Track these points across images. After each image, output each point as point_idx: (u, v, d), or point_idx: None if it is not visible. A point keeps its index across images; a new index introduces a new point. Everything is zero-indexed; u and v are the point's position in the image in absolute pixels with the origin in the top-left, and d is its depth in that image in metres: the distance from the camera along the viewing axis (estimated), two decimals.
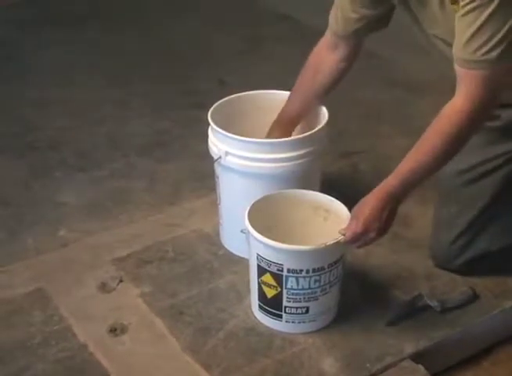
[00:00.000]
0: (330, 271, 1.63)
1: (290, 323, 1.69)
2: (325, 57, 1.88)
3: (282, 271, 1.61)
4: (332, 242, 1.58)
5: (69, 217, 2.14)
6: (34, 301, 1.81)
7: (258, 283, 1.68)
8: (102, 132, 2.61)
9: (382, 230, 1.60)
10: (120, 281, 1.87)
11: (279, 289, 1.64)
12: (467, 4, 1.48)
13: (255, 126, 1.92)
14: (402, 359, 1.64)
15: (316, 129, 1.84)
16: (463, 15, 1.50)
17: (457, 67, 1.55)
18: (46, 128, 2.64)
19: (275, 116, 1.94)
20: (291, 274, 1.61)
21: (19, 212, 2.18)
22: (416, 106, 2.69)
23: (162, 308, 1.79)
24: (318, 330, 1.71)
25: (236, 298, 1.81)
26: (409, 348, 1.66)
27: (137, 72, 3.06)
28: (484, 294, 1.81)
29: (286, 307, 1.67)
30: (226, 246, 1.99)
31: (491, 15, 1.46)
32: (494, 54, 1.49)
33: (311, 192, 1.79)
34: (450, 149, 1.58)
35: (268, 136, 1.92)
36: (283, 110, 1.93)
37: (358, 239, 1.59)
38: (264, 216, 1.68)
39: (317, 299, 1.65)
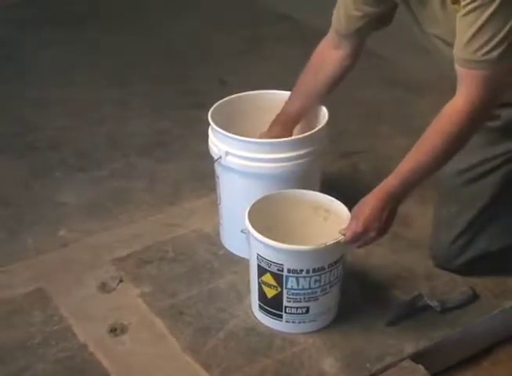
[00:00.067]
0: (330, 271, 1.63)
1: (291, 323, 1.69)
2: (327, 55, 1.88)
3: (282, 271, 1.61)
4: (332, 242, 1.58)
5: (69, 217, 2.14)
6: (34, 301, 1.81)
7: (258, 283, 1.68)
8: (102, 132, 2.61)
9: (382, 230, 1.60)
10: (120, 281, 1.88)
11: (280, 289, 1.64)
12: (468, 4, 1.48)
13: (255, 126, 1.92)
14: (402, 359, 1.64)
15: (316, 129, 1.84)
16: (464, 15, 1.50)
17: (458, 67, 1.55)
18: (46, 128, 2.64)
19: (275, 116, 1.94)
20: (291, 274, 1.61)
21: (19, 212, 2.18)
22: (416, 106, 2.69)
23: (162, 308, 1.79)
24: (318, 330, 1.71)
25: (236, 298, 1.81)
26: (409, 348, 1.66)
27: (137, 72, 3.06)
28: (484, 294, 1.81)
29: (286, 307, 1.67)
30: (226, 246, 1.99)
31: (492, 15, 1.46)
32: (495, 54, 1.49)
33: (311, 192, 1.79)
34: (450, 148, 1.58)
35: (268, 132, 1.91)
36: (284, 108, 1.93)
37: (359, 239, 1.59)
38: (264, 216, 1.68)
39: (317, 299, 1.66)
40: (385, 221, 1.59)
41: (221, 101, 1.95)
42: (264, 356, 1.64)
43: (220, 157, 1.83)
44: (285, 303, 1.66)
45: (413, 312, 1.75)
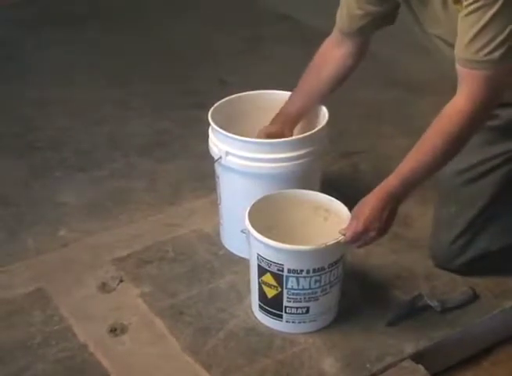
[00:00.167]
0: (331, 271, 1.63)
1: (291, 323, 1.69)
2: (331, 54, 1.88)
3: (282, 271, 1.61)
4: (332, 242, 1.58)
5: (69, 217, 2.14)
6: (34, 301, 1.81)
7: (259, 283, 1.68)
8: (102, 132, 2.61)
9: (382, 230, 1.60)
10: (121, 281, 1.87)
11: (280, 289, 1.64)
12: (471, 4, 1.48)
13: (255, 126, 1.92)
14: (402, 359, 1.64)
15: (316, 129, 1.84)
16: (466, 15, 1.50)
17: (459, 67, 1.55)
18: (46, 128, 2.64)
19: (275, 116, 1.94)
20: (292, 274, 1.61)
21: (19, 212, 2.18)
22: (417, 106, 2.69)
23: (162, 308, 1.79)
24: (318, 331, 1.71)
25: (237, 298, 1.81)
26: (409, 348, 1.66)
27: (137, 72, 3.06)
28: (484, 294, 1.81)
29: (286, 307, 1.67)
30: (226, 246, 1.98)
31: (494, 15, 1.46)
32: (496, 54, 1.49)
33: (311, 192, 1.79)
34: (451, 149, 1.58)
35: (267, 127, 1.90)
36: (284, 107, 1.92)
37: (359, 239, 1.60)
38: (264, 216, 1.68)
39: (317, 299, 1.65)
40: (385, 221, 1.59)
41: (221, 101, 1.95)
42: (264, 356, 1.64)
43: (220, 157, 1.82)
44: (285, 303, 1.66)
45: (413, 312, 1.75)
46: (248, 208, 1.67)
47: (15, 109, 2.76)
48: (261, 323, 1.73)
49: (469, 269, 1.85)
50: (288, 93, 1.95)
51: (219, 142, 1.83)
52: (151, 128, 2.64)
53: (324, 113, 1.90)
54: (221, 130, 1.81)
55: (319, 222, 1.76)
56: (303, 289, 1.63)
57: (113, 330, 1.72)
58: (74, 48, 3.26)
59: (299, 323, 1.69)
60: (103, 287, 1.86)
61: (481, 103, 1.54)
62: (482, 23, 1.47)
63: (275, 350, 1.66)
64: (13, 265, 1.94)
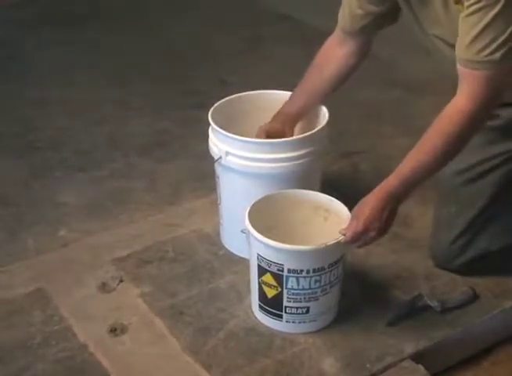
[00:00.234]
0: (331, 271, 1.63)
1: (291, 323, 1.69)
2: (333, 53, 1.88)
3: (282, 271, 1.61)
4: (332, 242, 1.58)
5: (69, 217, 2.14)
6: (34, 301, 1.81)
7: (259, 283, 1.68)
8: (102, 132, 2.61)
9: (382, 230, 1.60)
10: (121, 281, 1.87)
11: (280, 289, 1.64)
12: (472, 4, 1.48)
13: (255, 126, 1.92)
14: (402, 359, 1.64)
15: (317, 129, 1.84)
16: (468, 15, 1.50)
17: (460, 67, 1.55)
18: (46, 128, 2.64)
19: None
20: (292, 274, 1.61)
21: (19, 212, 2.18)
22: (417, 106, 2.69)
23: (162, 308, 1.79)
24: (318, 331, 1.71)
25: (237, 298, 1.81)
26: (409, 348, 1.66)
27: (137, 72, 3.06)
28: (484, 294, 1.81)
29: (286, 307, 1.67)
30: (226, 246, 1.98)
31: (496, 16, 1.46)
32: (498, 55, 1.49)
33: (311, 192, 1.79)
34: (451, 149, 1.58)
35: (268, 126, 1.89)
36: (286, 104, 1.92)
37: (359, 239, 1.59)
38: (264, 216, 1.68)
39: (317, 299, 1.65)
40: (385, 221, 1.59)
41: (221, 101, 1.95)
42: (264, 356, 1.64)
43: (220, 157, 1.82)
44: (285, 303, 1.66)
45: (413, 312, 1.75)
46: (248, 208, 1.67)
47: (15, 109, 2.76)
48: (261, 323, 1.73)
49: (469, 269, 1.85)
50: (288, 93, 1.95)
51: (219, 142, 1.83)
52: (151, 128, 2.64)
53: (324, 113, 1.90)
54: (221, 130, 1.81)
55: (319, 222, 1.76)
56: (303, 289, 1.63)
57: (113, 330, 1.72)
58: (74, 48, 3.26)
59: (299, 323, 1.69)
60: (103, 287, 1.86)
61: (482, 103, 1.54)
62: (484, 23, 1.47)
63: (275, 350, 1.66)
64: (13, 265, 1.94)
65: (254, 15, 3.65)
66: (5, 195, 2.26)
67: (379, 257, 1.92)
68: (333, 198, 1.74)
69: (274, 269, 1.61)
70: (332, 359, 1.64)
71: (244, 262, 1.81)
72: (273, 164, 1.79)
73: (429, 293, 1.79)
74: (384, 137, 2.52)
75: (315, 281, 1.62)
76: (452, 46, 1.60)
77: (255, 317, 1.75)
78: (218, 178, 1.91)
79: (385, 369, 1.62)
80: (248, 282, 1.75)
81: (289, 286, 1.63)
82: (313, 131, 1.83)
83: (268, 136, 1.86)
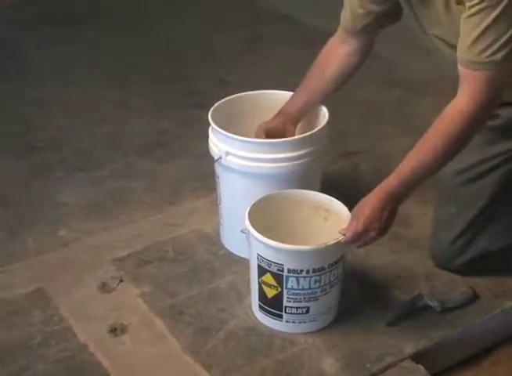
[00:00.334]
0: (331, 271, 1.63)
1: (291, 323, 1.69)
2: (335, 53, 1.88)
3: (282, 271, 1.61)
4: (332, 242, 1.58)
5: (69, 217, 2.14)
6: (34, 301, 1.81)
7: (259, 283, 1.68)
8: (102, 132, 2.61)
9: (382, 230, 1.60)
10: (121, 281, 1.87)
11: (280, 289, 1.64)
12: (474, 5, 1.48)
13: (255, 126, 1.92)
14: (402, 359, 1.64)
15: (317, 129, 1.84)
16: (469, 16, 1.50)
17: (461, 68, 1.55)
18: (46, 128, 2.64)
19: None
20: (292, 274, 1.61)
21: (19, 212, 2.18)
22: (417, 106, 2.69)
23: (162, 308, 1.79)
24: (318, 331, 1.71)
25: (237, 298, 1.81)
26: (409, 348, 1.66)
27: (137, 72, 3.06)
28: (484, 294, 1.81)
29: (286, 307, 1.67)
30: (226, 246, 1.98)
31: (497, 17, 1.46)
32: (499, 56, 1.49)
33: (311, 192, 1.79)
34: (452, 149, 1.58)
35: (268, 123, 1.90)
36: (288, 104, 1.91)
37: (359, 239, 1.59)
38: (264, 216, 1.68)
39: (317, 299, 1.65)
40: (385, 221, 1.59)
41: (221, 101, 1.95)
42: (264, 356, 1.64)
43: (220, 157, 1.82)
44: (285, 303, 1.66)
45: (413, 312, 1.75)
46: (248, 208, 1.67)
47: (15, 109, 2.76)
48: (261, 323, 1.73)
49: (469, 269, 1.85)
50: (288, 93, 1.95)
51: (219, 142, 1.83)
52: (151, 128, 2.64)
53: (324, 113, 1.90)
54: (221, 130, 1.81)
55: (319, 222, 1.76)
56: (303, 289, 1.63)
57: (113, 330, 1.72)
58: (74, 48, 3.26)
59: (299, 323, 1.69)
60: (103, 287, 1.86)
61: (483, 103, 1.54)
62: (485, 24, 1.48)
63: (275, 350, 1.66)
64: (13, 265, 1.94)
65: (254, 15, 3.65)
66: (5, 195, 2.26)
67: (379, 257, 1.92)
68: (333, 198, 1.74)
69: (274, 269, 1.61)
70: (332, 359, 1.64)
71: (244, 262, 1.81)
72: (273, 164, 1.79)
73: (429, 293, 1.79)
74: (383, 137, 2.52)
75: (315, 281, 1.62)
76: (453, 46, 1.60)
77: (255, 317, 1.75)
78: (218, 178, 1.91)
79: (385, 369, 1.62)
80: (248, 282, 1.75)
81: (289, 286, 1.63)
82: (313, 131, 1.83)
83: (268, 135, 1.86)
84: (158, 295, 1.83)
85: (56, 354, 1.66)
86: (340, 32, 1.88)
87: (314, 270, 1.61)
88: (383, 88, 2.87)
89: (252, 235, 1.62)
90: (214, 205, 2.00)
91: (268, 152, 1.79)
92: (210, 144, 1.88)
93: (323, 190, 1.85)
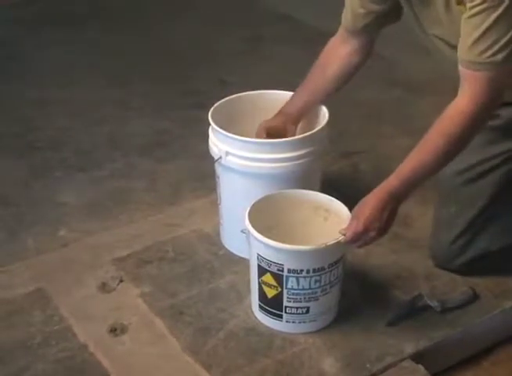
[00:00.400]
0: (331, 271, 1.63)
1: (291, 323, 1.69)
2: (336, 52, 1.88)
3: (282, 271, 1.61)
4: (332, 242, 1.58)
5: (69, 217, 2.14)
6: (34, 301, 1.81)
7: (259, 283, 1.68)
8: (102, 132, 2.61)
9: (382, 230, 1.60)
10: (121, 281, 1.87)
11: (280, 289, 1.64)
12: (476, 6, 1.48)
13: (255, 126, 1.92)
14: (402, 359, 1.64)
15: (317, 129, 1.84)
16: (470, 17, 1.50)
17: (462, 69, 1.55)
18: (46, 128, 2.64)
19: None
20: (292, 274, 1.61)
21: (20, 212, 2.18)
22: (417, 106, 2.69)
23: (162, 308, 1.79)
24: (318, 331, 1.71)
25: (237, 298, 1.81)
26: (409, 348, 1.66)
27: (137, 72, 3.06)
28: (484, 294, 1.81)
29: (286, 307, 1.67)
30: (226, 246, 1.98)
31: (498, 18, 1.46)
32: (500, 56, 1.49)
33: (311, 192, 1.79)
34: (452, 149, 1.58)
35: (268, 122, 1.90)
36: (288, 103, 1.91)
37: (359, 239, 1.59)
38: (264, 216, 1.68)
39: (317, 299, 1.65)
40: (385, 221, 1.59)
41: (221, 101, 1.95)
42: (264, 356, 1.64)
43: (220, 157, 1.82)
44: (285, 303, 1.66)
45: (413, 313, 1.75)
46: (248, 208, 1.67)
47: (15, 109, 2.76)
48: (261, 323, 1.73)
49: (469, 269, 1.85)
50: (288, 93, 1.95)
51: (219, 142, 1.83)
52: (151, 128, 2.64)
53: (324, 113, 1.90)
54: (221, 130, 1.81)
55: (319, 222, 1.76)
56: (303, 289, 1.63)
57: (113, 330, 1.72)
58: (74, 48, 3.26)
59: (299, 323, 1.69)
60: (103, 287, 1.86)
61: (483, 103, 1.54)
62: (486, 25, 1.48)
63: (275, 350, 1.66)
64: (13, 265, 1.94)
65: (254, 15, 3.65)
66: (5, 195, 2.26)
67: (379, 257, 1.92)
68: (333, 198, 1.74)
69: (274, 269, 1.61)
70: (332, 359, 1.64)
71: (244, 262, 1.80)
72: (273, 164, 1.79)
73: (429, 293, 1.79)
74: (383, 137, 2.52)
75: (315, 281, 1.62)
76: (453, 46, 1.60)
77: (255, 317, 1.75)
78: (218, 178, 1.91)
79: (385, 369, 1.62)
80: (248, 282, 1.75)
81: (289, 286, 1.63)
82: (313, 131, 1.83)
83: (269, 134, 1.86)
84: (158, 295, 1.83)
85: (56, 354, 1.66)
86: (341, 32, 1.88)
87: (314, 270, 1.61)
88: (383, 88, 2.87)
89: (252, 235, 1.62)
90: (214, 205, 2.00)
91: (268, 152, 1.79)
92: (210, 144, 1.88)
93: (323, 190, 1.85)
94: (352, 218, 1.60)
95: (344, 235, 1.59)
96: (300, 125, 1.95)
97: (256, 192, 1.76)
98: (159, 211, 2.16)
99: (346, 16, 1.84)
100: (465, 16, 1.51)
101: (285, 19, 3.55)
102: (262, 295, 1.69)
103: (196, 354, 1.65)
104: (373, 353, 1.64)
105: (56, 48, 3.26)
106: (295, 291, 1.63)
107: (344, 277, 1.70)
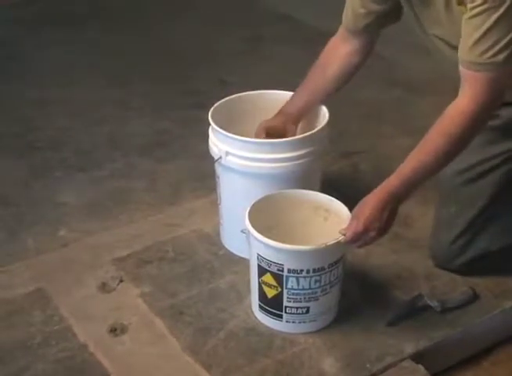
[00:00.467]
0: (331, 271, 1.63)
1: (291, 323, 1.69)
2: (336, 52, 1.88)
3: (282, 271, 1.61)
4: (332, 242, 1.58)
5: (69, 217, 2.14)
6: (34, 301, 1.81)
7: (259, 283, 1.68)
8: (102, 132, 2.61)
9: (382, 230, 1.60)
10: (121, 281, 1.87)
11: (280, 289, 1.64)
12: (476, 7, 1.48)
13: (255, 126, 1.92)
14: (402, 359, 1.64)
15: (317, 129, 1.84)
16: (471, 17, 1.50)
17: (462, 69, 1.55)
18: (46, 128, 2.64)
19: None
20: (292, 274, 1.61)
21: (20, 212, 2.18)
22: (417, 106, 2.69)
23: (162, 308, 1.79)
24: (318, 331, 1.71)
25: (237, 298, 1.81)
26: (409, 348, 1.66)
27: (137, 72, 3.06)
28: (484, 294, 1.81)
29: (286, 307, 1.67)
30: (226, 246, 1.98)
31: (499, 18, 1.46)
32: (501, 57, 1.49)
33: (311, 192, 1.79)
34: (453, 149, 1.58)
35: (268, 122, 1.90)
36: (288, 103, 1.91)
37: (359, 239, 1.59)
38: (264, 216, 1.68)
39: (317, 299, 1.65)
40: (386, 221, 1.59)
41: (221, 101, 1.95)
42: (264, 356, 1.64)
43: (220, 157, 1.82)
44: (285, 303, 1.66)
45: (413, 313, 1.75)
46: (248, 208, 1.67)
47: (15, 109, 2.76)
48: (261, 323, 1.73)
49: (469, 269, 1.85)
50: (289, 93, 1.95)
51: (219, 142, 1.83)
52: (151, 128, 2.64)
53: (324, 113, 1.90)
54: (221, 130, 1.81)
55: (319, 222, 1.76)
56: (303, 289, 1.63)
57: (113, 330, 1.72)
58: (74, 48, 3.26)
59: (299, 323, 1.69)
60: (103, 287, 1.86)
61: (484, 104, 1.54)
62: (487, 25, 1.47)
63: (275, 350, 1.66)
64: (13, 265, 1.94)
65: (254, 15, 3.65)
66: (5, 195, 2.26)
67: (379, 257, 1.92)
68: (333, 198, 1.74)
69: (274, 269, 1.61)
70: (332, 359, 1.64)
71: (244, 262, 1.80)
72: (273, 164, 1.79)
73: (429, 293, 1.79)
74: (383, 137, 2.52)
75: (315, 281, 1.62)
76: (453, 47, 1.60)
77: (255, 317, 1.75)
78: (218, 178, 1.91)
79: (385, 369, 1.62)
80: (248, 282, 1.75)
81: (289, 286, 1.63)
82: (313, 131, 1.83)
83: (268, 134, 1.86)
84: (158, 295, 1.83)
85: (56, 354, 1.66)
86: (341, 31, 1.88)
87: (314, 270, 1.61)
88: (383, 88, 2.87)
89: (252, 235, 1.62)
90: (214, 205, 2.00)
91: (269, 152, 1.79)
92: (210, 144, 1.88)
93: (323, 190, 1.85)
94: (352, 218, 1.60)
95: (344, 235, 1.59)
96: (300, 125, 1.95)
97: (256, 192, 1.76)
98: (159, 211, 2.16)
99: (347, 16, 1.84)
100: (466, 16, 1.51)
101: (285, 19, 3.55)
102: (262, 295, 1.69)
103: (196, 354, 1.65)
104: (373, 353, 1.64)
105: (56, 48, 3.26)
106: (295, 291, 1.63)
107: (344, 277, 1.70)
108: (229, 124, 1.85)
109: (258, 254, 1.63)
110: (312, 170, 1.90)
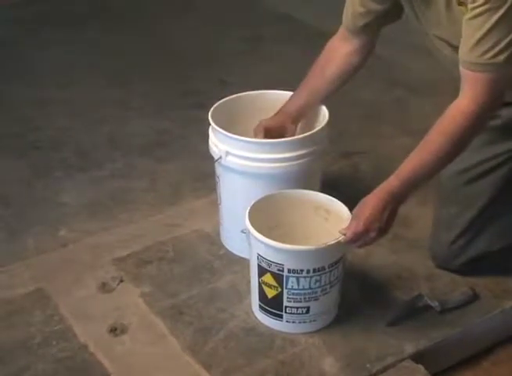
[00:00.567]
0: (331, 271, 1.63)
1: (291, 323, 1.69)
2: (336, 52, 1.88)
3: (282, 271, 1.61)
4: (332, 242, 1.58)
5: (69, 217, 2.14)
6: (34, 301, 1.81)
7: (259, 284, 1.68)
8: (102, 132, 2.61)
9: (383, 230, 1.60)
10: (121, 281, 1.87)
11: (280, 289, 1.64)
12: (477, 7, 1.47)
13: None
14: (403, 359, 1.64)
15: (317, 129, 1.84)
16: (471, 18, 1.50)
17: (463, 70, 1.55)
18: (46, 128, 2.64)
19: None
20: (292, 274, 1.61)
21: (20, 212, 2.18)
22: (417, 106, 2.69)
23: (162, 308, 1.79)
24: (318, 331, 1.71)
25: (237, 298, 1.81)
26: (410, 348, 1.66)
27: (137, 72, 3.06)
28: (484, 294, 1.81)
29: (286, 307, 1.67)
30: (227, 246, 1.98)
31: (500, 19, 1.46)
32: (501, 58, 1.49)
33: (311, 192, 1.79)
34: (453, 149, 1.58)
35: (268, 121, 1.89)
36: (288, 103, 1.91)
37: (359, 239, 1.59)
38: (264, 216, 1.68)
39: (317, 299, 1.65)
40: (386, 221, 1.59)
41: (221, 101, 1.95)
42: (264, 356, 1.64)
43: (220, 157, 1.82)
44: (285, 303, 1.66)
45: (413, 313, 1.75)
46: (248, 208, 1.67)
47: (15, 109, 2.77)
48: (261, 323, 1.73)
49: (469, 269, 1.85)
50: (289, 93, 1.95)
51: (219, 142, 1.83)
52: (151, 128, 2.64)
53: (324, 113, 1.90)
54: (221, 130, 1.81)
55: (320, 222, 1.76)
56: (303, 289, 1.63)
57: (113, 330, 1.72)
58: (74, 48, 3.26)
59: (299, 323, 1.69)
60: (103, 287, 1.86)
61: (485, 104, 1.54)
62: (488, 26, 1.47)
63: (275, 350, 1.66)
64: (13, 265, 1.94)
65: (254, 15, 3.65)
66: (6, 195, 2.26)
67: (379, 257, 1.92)
68: (333, 198, 1.74)
69: (274, 269, 1.61)
70: (332, 359, 1.64)
71: (244, 262, 1.81)
72: (273, 164, 1.79)
73: (429, 293, 1.79)
74: (383, 137, 2.52)
75: (316, 281, 1.62)
76: (453, 47, 1.60)
77: (255, 317, 1.75)
78: (218, 178, 1.91)
79: (385, 369, 1.62)
80: (248, 282, 1.75)
81: (289, 286, 1.63)
82: (313, 131, 1.83)
83: (267, 133, 1.86)
84: (158, 295, 1.83)
85: (56, 354, 1.66)
86: (341, 31, 1.88)
87: (314, 270, 1.61)
88: (383, 88, 2.87)
89: (252, 235, 1.62)
90: (214, 205, 2.00)
91: (268, 152, 1.79)
92: (211, 144, 1.88)
93: (323, 190, 1.85)
94: (352, 219, 1.60)
95: (345, 235, 1.59)
96: (300, 125, 1.95)
97: (256, 192, 1.76)
98: (159, 211, 2.16)
99: (346, 16, 1.84)
100: (466, 17, 1.51)
101: (285, 19, 3.55)
102: (262, 295, 1.69)
103: (196, 354, 1.65)
104: (373, 353, 1.64)
105: (56, 48, 3.26)
106: (295, 291, 1.63)
107: (344, 277, 1.70)
108: (229, 124, 1.85)
109: (258, 254, 1.63)
110: (312, 170, 1.90)
